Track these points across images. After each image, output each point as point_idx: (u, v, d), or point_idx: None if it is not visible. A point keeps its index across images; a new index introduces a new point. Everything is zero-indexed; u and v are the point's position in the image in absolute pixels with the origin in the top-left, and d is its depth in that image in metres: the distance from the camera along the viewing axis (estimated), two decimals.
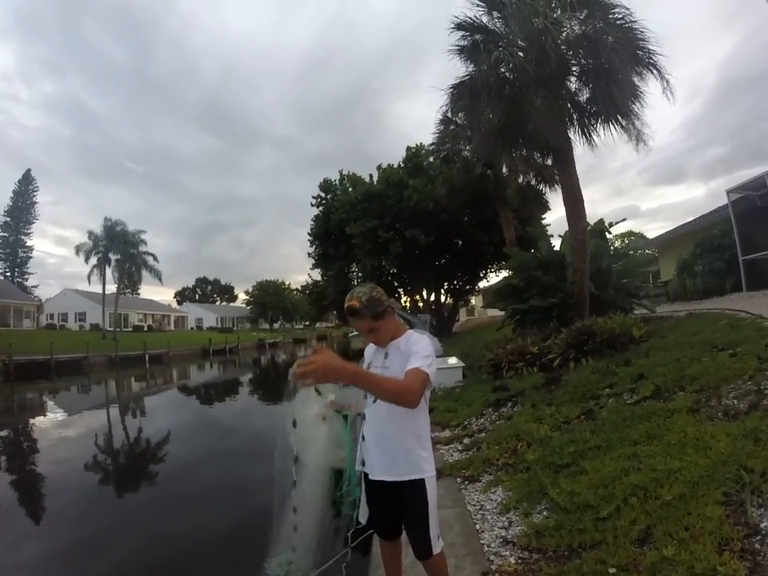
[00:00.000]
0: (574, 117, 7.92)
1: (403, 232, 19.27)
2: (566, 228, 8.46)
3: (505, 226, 14.87)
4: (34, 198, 49.95)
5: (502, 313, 10.64)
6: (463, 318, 34.71)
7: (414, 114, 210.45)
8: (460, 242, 20.88)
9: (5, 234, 47.60)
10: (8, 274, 47.28)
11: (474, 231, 19.44)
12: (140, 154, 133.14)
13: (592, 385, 4.60)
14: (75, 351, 24.06)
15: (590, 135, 7.94)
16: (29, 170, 50.41)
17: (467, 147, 14.73)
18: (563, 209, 8.12)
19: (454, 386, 7.30)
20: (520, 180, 14.31)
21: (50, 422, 11.68)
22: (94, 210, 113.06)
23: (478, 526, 2.78)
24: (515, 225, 15.77)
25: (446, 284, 23.94)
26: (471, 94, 7.57)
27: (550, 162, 9.91)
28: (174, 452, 8.05)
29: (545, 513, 2.67)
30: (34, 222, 49.99)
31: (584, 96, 7.98)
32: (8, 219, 47.36)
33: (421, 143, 21.15)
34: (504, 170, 14.19)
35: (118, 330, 31.83)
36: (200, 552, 4.03)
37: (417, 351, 1.61)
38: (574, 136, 7.95)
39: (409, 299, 24.52)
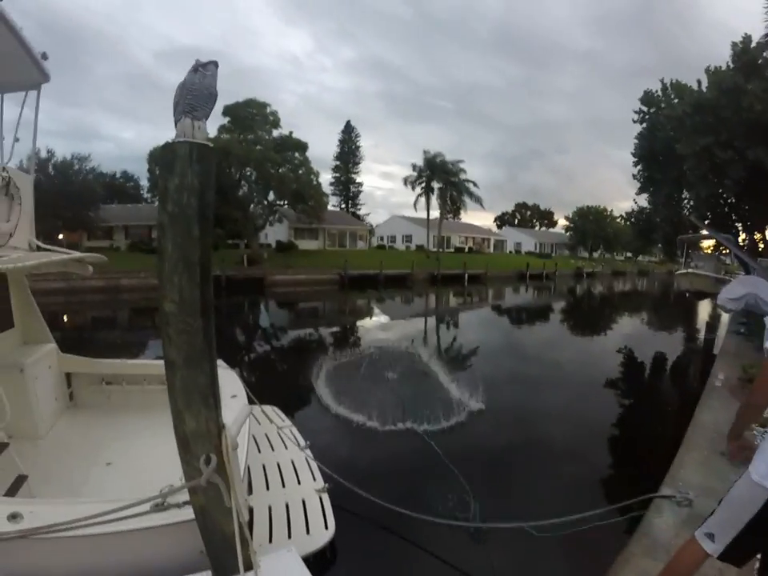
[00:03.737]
0: None
1: (744, 152, 18.75)
2: None
3: None
4: (358, 143, 74.29)
5: None
6: None
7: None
8: None
9: (337, 175, 73.41)
10: (343, 206, 72.77)
11: None
12: (445, 92, 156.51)
13: None
14: (401, 268, 35.87)
15: None
16: (348, 121, 74.72)
17: None
18: None
19: None
20: None
21: (375, 324, 17.57)
22: (412, 148, 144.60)
23: None
24: None
25: None
26: None
27: None
28: (476, 366, 10.92)
29: None
30: (360, 163, 74.84)
31: None
32: (338, 163, 73.04)
33: (747, 34, 19.45)
34: None
35: (440, 250, 45.37)
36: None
37: None
38: None
39: (747, 238, 24.49)
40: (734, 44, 20.14)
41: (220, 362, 5.02)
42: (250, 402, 4.34)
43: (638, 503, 3.73)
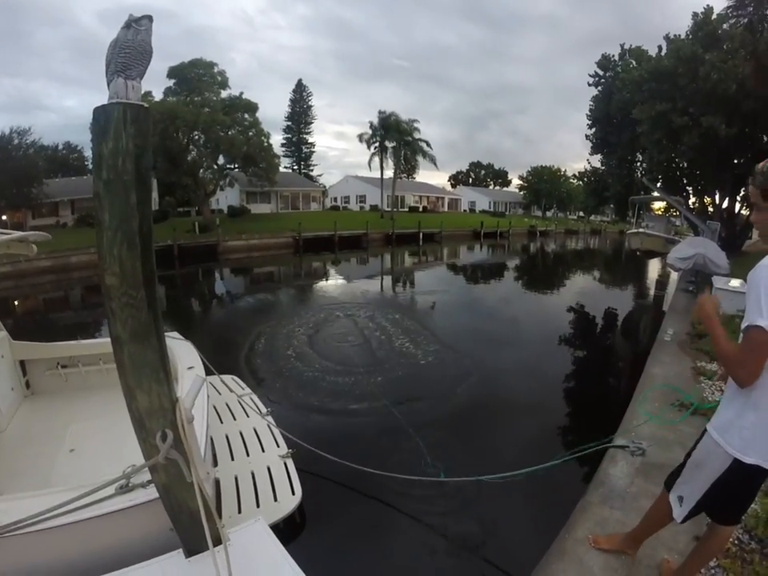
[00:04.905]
0: None
1: (698, 119, 19.71)
2: None
3: None
4: (309, 103, 72.95)
5: None
6: (756, 237, 31.87)
7: None
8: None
9: (289, 136, 72.32)
10: (295, 167, 71.43)
11: None
12: (404, 51, 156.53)
13: None
14: (355, 228, 35.70)
15: None
16: (300, 80, 73.71)
17: None
18: None
19: (735, 315, 7.07)
20: None
21: (331, 286, 18.09)
22: (368, 107, 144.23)
23: None
24: None
25: (743, 190, 23.82)
26: None
27: None
28: (431, 323, 10.95)
29: None
30: (312, 123, 73.39)
31: None
32: (289, 123, 71.93)
33: (709, 6, 20.54)
34: None
35: (394, 210, 44.97)
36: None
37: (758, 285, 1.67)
38: None
39: (697, 201, 25.52)
40: (695, 14, 21.01)
41: (175, 334, 4.92)
42: (208, 372, 4.29)
43: (593, 454, 3.90)
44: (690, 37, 20.94)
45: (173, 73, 32.41)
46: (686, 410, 4.48)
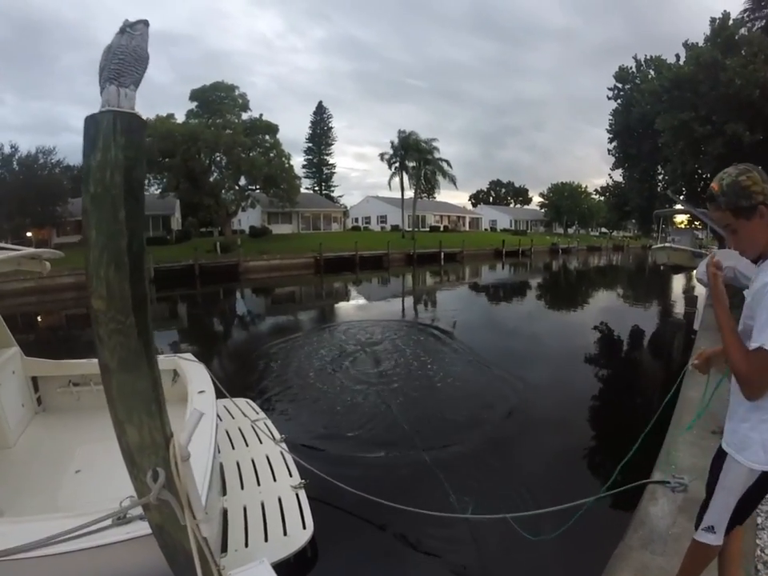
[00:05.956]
0: None
1: (722, 127, 19.89)
2: None
3: None
4: (330, 124, 75.07)
5: None
6: None
7: None
8: None
9: (309, 157, 74.04)
10: (316, 188, 73.30)
11: None
12: (419, 70, 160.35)
13: None
14: (377, 248, 35.98)
15: None
16: (320, 102, 75.36)
17: None
18: None
19: None
20: None
21: (352, 306, 18.53)
22: (387, 128, 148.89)
23: None
24: None
25: None
26: None
27: None
28: (455, 343, 10.74)
29: None
30: (332, 144, 75.35)
31: None
32: (310, 145, 73.79)
33: (726, 12, 20.22)
34: None
35: (415, 230, 45.21)
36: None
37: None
38: None
39: None
40: (713, 20, 20.59)
41: (188, 356, 4.81)
42: (221, 395, 4.16)
43: (631, 490, 3.60)
44: (709, 43, 20.58)
45: (194, 96, 33.30)
46: None
